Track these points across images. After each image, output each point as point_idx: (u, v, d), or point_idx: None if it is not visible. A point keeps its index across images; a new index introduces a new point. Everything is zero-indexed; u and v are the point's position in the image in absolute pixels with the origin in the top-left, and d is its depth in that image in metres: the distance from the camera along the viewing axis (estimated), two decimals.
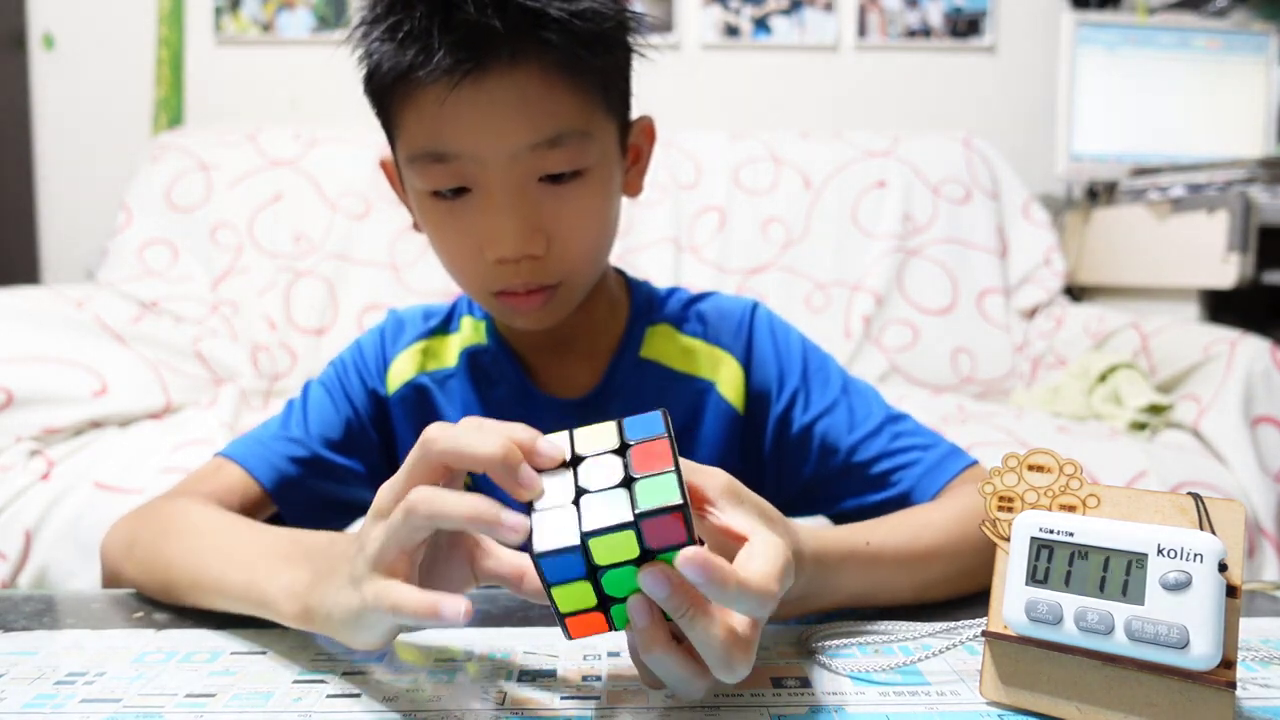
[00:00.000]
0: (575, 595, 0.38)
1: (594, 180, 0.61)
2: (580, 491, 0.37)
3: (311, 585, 0.43)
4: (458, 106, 0.56)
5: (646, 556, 0.36)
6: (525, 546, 0.37)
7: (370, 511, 0.40)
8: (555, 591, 0.37)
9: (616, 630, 0.39)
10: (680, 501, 0.36)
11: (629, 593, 0.37)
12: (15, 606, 0.55)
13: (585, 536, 0.36)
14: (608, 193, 0.63)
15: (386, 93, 0.59)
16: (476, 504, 0.37)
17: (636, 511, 0.36)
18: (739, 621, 0.37)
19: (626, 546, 0.36)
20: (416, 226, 0.67)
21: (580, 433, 0.40)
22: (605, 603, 0.38)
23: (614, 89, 0.62)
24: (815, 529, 0.48)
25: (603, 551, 0.36)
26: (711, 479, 0.41)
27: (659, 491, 0.36)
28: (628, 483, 0.37)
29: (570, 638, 0.39)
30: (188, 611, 0.53)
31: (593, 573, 0.37)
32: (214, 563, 0.51)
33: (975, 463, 0.65)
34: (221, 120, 2.22)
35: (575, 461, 0.39)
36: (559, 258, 0.60)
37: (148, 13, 2.25)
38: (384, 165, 0.69)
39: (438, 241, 0.63)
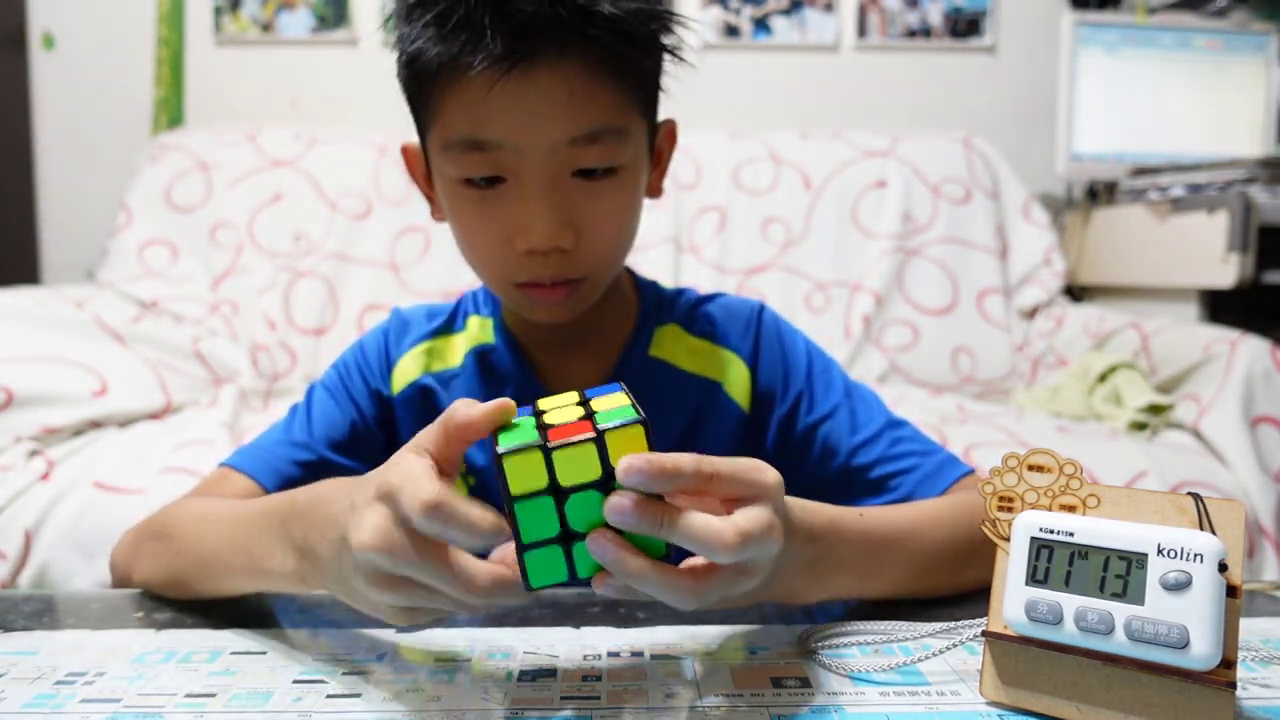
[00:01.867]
0: (538, 517, 0.37)
1: (625, 178, 0.61)
2: (545, 425, 0.39)
3: (303, 566, 0.44)
4: (504, 96, 0.56)
5: (608, 480, 0.37)
6: (490, 460, 0.38)
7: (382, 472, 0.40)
8: (520, 510, 0.37)
9: (579, 579, 0.39)
10: (640, 417, 0.37)
11: (592, 526, 0.38)
12: (15, 606, 0.55)
13: (549, 448, 0.37)
14: (636, 191, 0.64)
15: (428, 79, 0.59)
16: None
17: (598, 428, 0.37)
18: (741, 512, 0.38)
19: (588, 463, 0.37)
20: (436, 216, 0.68)
21: (544, 401, 0.42)
22: (568, 538, 0.38)
23: (649, 90, 0.63)
24: (803, 501, 0.48)
25: (565, 466, 0.37)
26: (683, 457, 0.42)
27: (618, 414, 0.38)
28: (589, 415, 0.39)
29: (529, 588, 0.38)
30: (188, 611, 0.53)
31: (556, 492, 0.37)
32: (216, 547, 0.51)
33: (972, 471, 0.66)
34: (221, 120, 2.22)
35: (539, 414, 0.40)
36: (587, 252, 0.61)
37: (148, 13, 2.25)
38: (406, 151, 0.69)
39: (465, 230, 0.63)
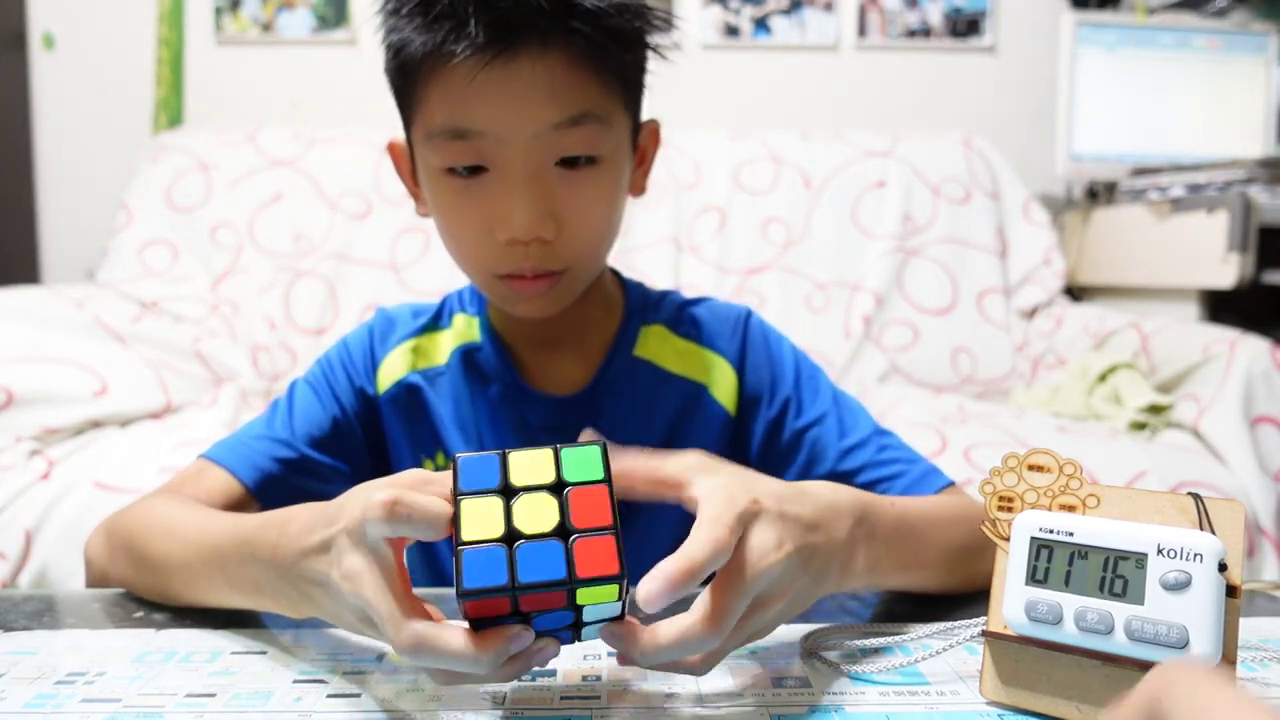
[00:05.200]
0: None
1: (607, 170, 0.61)
2: (515, 535, 0.36)
3: (295, 599, 0.44)
4: (486, 84, 0.56)
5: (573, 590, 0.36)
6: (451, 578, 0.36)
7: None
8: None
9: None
10: (617, 573, 0.36)
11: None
12: (15, 606, 0.55)
13: (517, 589, 0.35)
14: (618, 185, 0.64)
15: (412, 69, 0.59)
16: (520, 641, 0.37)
17: (574, 577, 0.36)
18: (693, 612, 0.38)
19: (554, 597, 0.36)
20: (421, 211, 0.68)
21: (515, 457, 0.38)
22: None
23: (632, 85, 0.63)
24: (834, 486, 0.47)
25: (531, 600, 0.36)
26: (682, 458, 0.43)
27: (596, 557, 0.36)
28: (563, 533, 0.37)
29: (460, 592, 0.36)
30: (187, 611, 0.53)
31: (519, 614, 0.37)
32: (192, 565, 0.51)
33: (954, 483, 0.66)
34: (221, 120, 2.22)
35: (508, 492, 0.38)
36: (567, 243, 0.61)
37: (148, 13, 2.25)
38: (392, 147, 0.69)
39: (447, 221, 0.63)
